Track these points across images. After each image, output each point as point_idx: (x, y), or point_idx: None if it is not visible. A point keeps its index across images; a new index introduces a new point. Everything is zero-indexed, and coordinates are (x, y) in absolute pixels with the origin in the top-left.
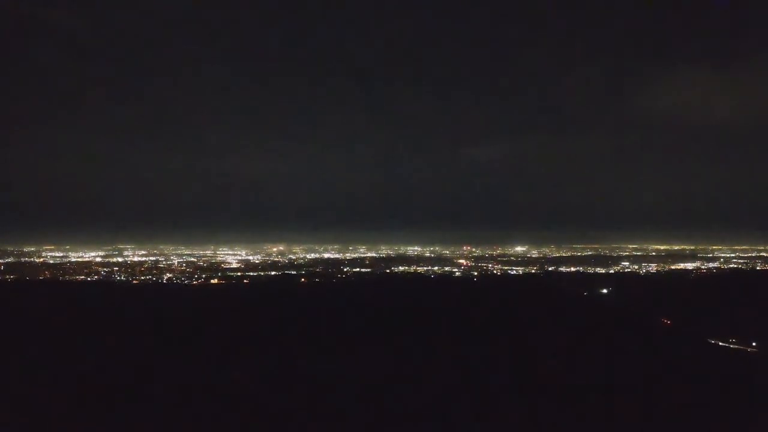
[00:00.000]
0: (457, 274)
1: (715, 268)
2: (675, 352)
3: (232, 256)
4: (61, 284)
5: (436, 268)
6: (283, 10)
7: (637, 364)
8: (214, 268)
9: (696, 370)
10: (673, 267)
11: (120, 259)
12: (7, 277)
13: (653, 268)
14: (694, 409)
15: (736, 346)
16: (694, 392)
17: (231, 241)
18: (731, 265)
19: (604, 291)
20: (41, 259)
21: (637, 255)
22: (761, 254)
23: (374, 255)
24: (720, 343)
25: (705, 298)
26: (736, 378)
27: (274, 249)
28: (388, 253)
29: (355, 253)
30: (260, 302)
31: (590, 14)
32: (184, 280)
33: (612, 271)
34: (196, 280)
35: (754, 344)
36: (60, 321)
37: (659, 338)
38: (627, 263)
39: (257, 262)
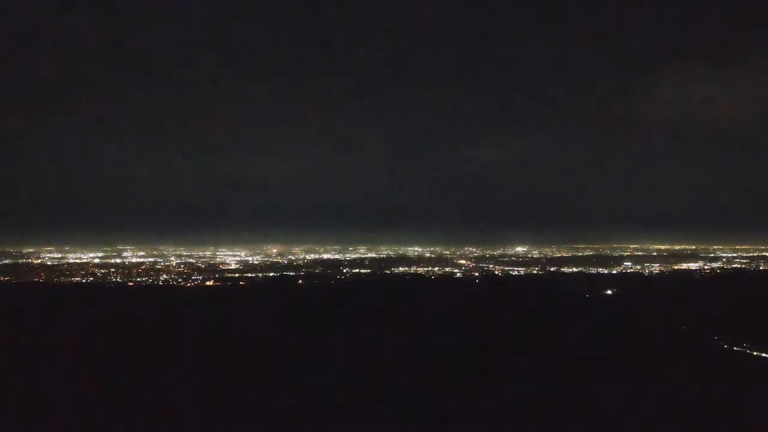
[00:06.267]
0: (458, 274)
1: (718, 268)
2: (693, 357)
3: (231, 257)
4: (52, 286)
5: (436, 268)
6: (284, 9)
7: (653, 369)
8: (213, 269)
9: (721, 379)
10: (676, 267)
11: (118, 260)
12: (1, 279)
13: (656, 268)
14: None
15: (757, 353)
16: (727, 404)
17: (231, 242)
18: (734, 265)
19: (609, 292)
20: (39, 261)
21: (638, 255)
22: (763, 254)
23: (374, 255)
24: (735, 348)
25: (713, 300)
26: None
27: (274, 250)
28: (388, 254)
29: (355, 254)
30: (252, 304)
31: (590, 13)
32: (180, 282)
33: (615, 272)
34: (192, 281)
35: None
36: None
37: (673, 342)
38: (629, 263)
39: (256, 263)
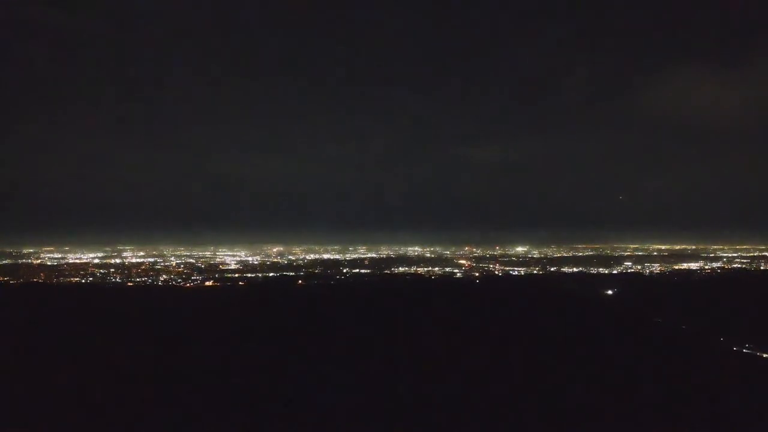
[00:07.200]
0: (458, 275)
1: (719, 267)
2: (705, 361)
3: (231, 257)
4: (48, 287)
5: (436, 269)
6: (280, 9)
7: (663, 373)
8: (212, 269)
9: (733, 383)
10: (676, 267)
11: (118, 261)
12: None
13: (657, 268)
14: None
15: (767, 354)
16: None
17: (231, 242)
18: (735, 265)
19: (610, 292)
20: (38, 261)
21: (639, 255)
22: (763, 254)
23: (374, 255)
24: (744, 351)
25: (714, 300)
26: None
27: (274, 250)
28: (388, 254)
29: (355, 254)
30: (249, 305)
31: (590, 13)
32: (180, 282)
33: (615, 272)
34: (191, 282)
35: None
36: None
37: (681, 345)
38: (630, 263)
39: (256, 263)
